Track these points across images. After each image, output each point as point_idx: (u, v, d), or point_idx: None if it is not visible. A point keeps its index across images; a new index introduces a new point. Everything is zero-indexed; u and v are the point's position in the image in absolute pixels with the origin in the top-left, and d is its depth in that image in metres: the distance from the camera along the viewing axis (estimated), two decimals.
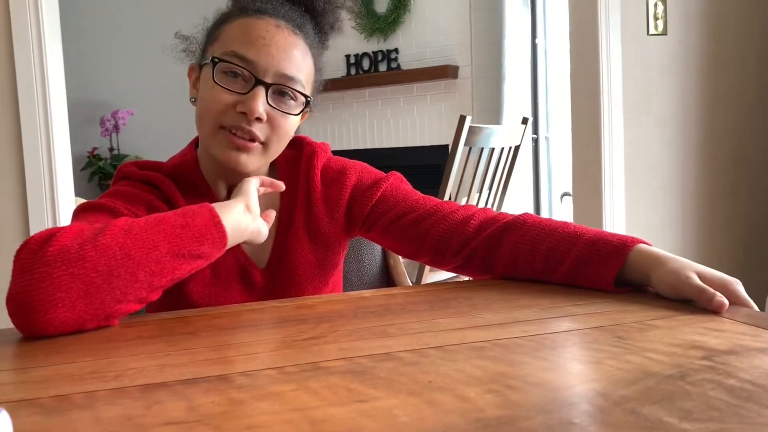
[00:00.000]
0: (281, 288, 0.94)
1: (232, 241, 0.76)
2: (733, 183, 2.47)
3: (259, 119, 0.84)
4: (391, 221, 0.94)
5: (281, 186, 0.89)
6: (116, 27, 4.77)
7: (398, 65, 4.28)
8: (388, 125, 4.40)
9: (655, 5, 2.29)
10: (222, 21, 0.90)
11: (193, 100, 0.92)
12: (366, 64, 4.44)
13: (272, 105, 0.85)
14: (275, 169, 0.99)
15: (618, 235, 0.78)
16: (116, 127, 4.62)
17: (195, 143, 0.97)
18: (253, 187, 0.84)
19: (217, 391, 0.48)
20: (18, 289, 0.64)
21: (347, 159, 1.01)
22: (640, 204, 2.35)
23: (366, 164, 1.01)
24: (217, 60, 0.85)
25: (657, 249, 0.76)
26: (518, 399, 0.44)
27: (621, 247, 0.76)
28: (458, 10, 3.98)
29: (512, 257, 0.84)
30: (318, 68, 0.94)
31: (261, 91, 0.84)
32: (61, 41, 2.15)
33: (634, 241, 0.76)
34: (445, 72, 3.95)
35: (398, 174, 1.00)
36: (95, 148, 4.66)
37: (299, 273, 0.95)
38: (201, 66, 0.90)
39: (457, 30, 4.01)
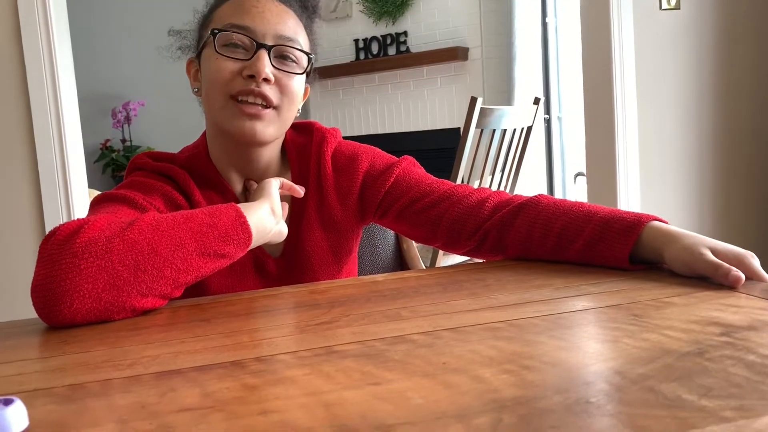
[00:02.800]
0: (296, 276, 0.94)
1: (255, 241, 0.76)
2: (748, 159, 2.43)
3: (267, 80, 0.85)
4: (404, 207, 0.93)
5: (300, 191, 0.89)
6: (126, 18, 4.77)
7: (407, 48, 4.25)
8: (398, 109, 4.38)
9: None
10: (213, 8, 0.92)
11: (196, 90, 0.93)
12: (375, 48, 4.41)
13: (277, 67, 0.86)
14: (285, 155, 0.98)
15: (633, 212, 0.77)
16: (128, 119, 4.64)
17: (205, 135, 0.96)
18: (275, 189, 0.84)
19: (231, 377, 0.48)
20: (44, 279, 0.65)
21: (358, 143, 1.00)
22: (655, 183, 2.32)
23: (377, 149, 1.00)
24: (216, 31, 0.86)
25: (671, 226, 0.75)
26: (534, 379, 0.43)
27: (635, 223, 0.75)
28: None
29: (526, 236, 0.84)
30: (312, 41, 0.94)
31: (264, 54, 0.85)
32: (69, 34, 2.15)
33: (649, 217, 0.75)
34: (455, 54, 3.92)
35: (410, 158, 0.99)
36: (108, 140, 4.69)
37: (313, 261, 0.94)
38: (199, 56, 0.91)
39: (466, 11, 3.97)
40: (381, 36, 4.36)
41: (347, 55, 4.50)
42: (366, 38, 4.42)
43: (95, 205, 0.83)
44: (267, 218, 0.79)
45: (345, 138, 1.01)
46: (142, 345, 0.58)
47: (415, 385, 0.44)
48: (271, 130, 0.88)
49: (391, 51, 4.34)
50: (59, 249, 0.65)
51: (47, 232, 0.68)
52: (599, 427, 0.36)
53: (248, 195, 0.94)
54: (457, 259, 2.26)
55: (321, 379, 0.46)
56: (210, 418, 0.40)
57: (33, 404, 0.44)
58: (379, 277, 0.85)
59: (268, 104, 0.86)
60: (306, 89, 0.94)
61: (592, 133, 2.32)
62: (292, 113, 0.91)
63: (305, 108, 5.13)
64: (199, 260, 0.71)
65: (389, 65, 4.30)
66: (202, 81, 0.91)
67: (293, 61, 0.88)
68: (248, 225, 0.74)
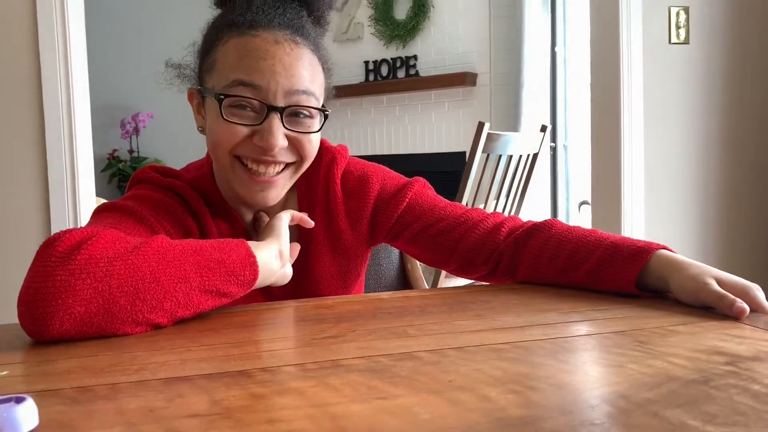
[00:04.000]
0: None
1: (260, 283, 0.73)
2: (753, 191, 2.44)
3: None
4: (417, 231, 0.91)
5: (310, 223, 0.86)
6: (137, 29, 4.83)
7: (417, 72, 4.29)
8: (405, 131, 4.41)
9: (678, 14, 2.28)
10: (213, 41, 0.83)
11: (201, 129, 0.87)
12: (384, 70, 4.45)
13: (290, 129, 0.80)
14: None
15: (643, 241, 0.78)
16: (136, 130, 4.67)
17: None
18: (285, 227, 0.80)
19: (238, 386, 0.48)
20: (35, 294, 0.60)
21: (367, 163, 0.97)
22: (660, 213, 2.33)
23: (387, 169, 0.98)
24: (222, 96, 0.78)
25: (678, 255, 0.75)
26: (540, 400, 0.44)
27: (644, 249, 0.75)
28: (478, 18, 3.99)
29: (536, 257, 0.84)
30: (326, 68, 0.87)
31: (275, 119, 0.78)
32: (86, 44, 2.18)
33: (658, 246, 0.76)
34: (464, 79, 3.95)
35: (422, 179, 0.96)
36: (115, 150, 4.72)
37: (321, 286, 0.93)
38: (200, 91, 0.85)
39: (476, 37, 4.01)
40: (391, 59, 4.41)
41: (357, 76, 4.54)
42: (376, 60, 4.47)
43: (98, 213, 0.79)
44: (274, 261, 0.75)
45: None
46: (149, 351, 0.58)
47: (422, 401, 0.44)
48: (286, 188, 0.85)
49: (401, 74, 4.38)
50: (56, 263, 0.61)
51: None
52: None
53: (257, 227, 0.90)
54: (459, 281, 2.26)
55: (328, 392, 0.46)
56: (218, 425, 0.41)
57: (41, 404, 0.44)
58: (384, 295, 0.85)
59: (283, 164, 0.82)
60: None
61: (599, 162, 2.33)
62: (307, 165, 0.87)
63: None
64: (200, 297, 0.67)
65: (398, 88, 4.34)
66: (206, 128, 0.85)
67: (308, 116, 0.82)
68: (257, 265, 0.71)
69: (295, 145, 0.82)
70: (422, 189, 0.94)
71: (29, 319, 0.61)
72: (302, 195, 0.94)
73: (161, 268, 0.65)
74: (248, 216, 0.92)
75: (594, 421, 0.40)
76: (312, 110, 0.82)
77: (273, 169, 0.82)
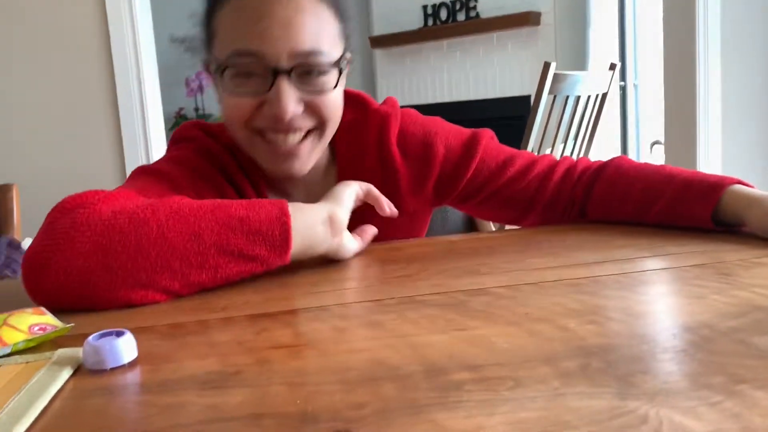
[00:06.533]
0: None
1: (298, 251, 0.63)
2: None
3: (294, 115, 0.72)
4: (490, 194, 0.87)
5: (387, 210, 0.74)
6: None
7: (477, 14, 4.17)
8: (467, 77, 4.32)
9: None
10: (213, 7, 0.75)
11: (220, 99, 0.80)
12: (443, 14, 4.35)
13: (303, 90, 0.72)
14: (332, 140, 0.82)
15: (716, 175, 0.75)
16: (200, 88, 4.75)
17: None
18: (349, 196, 0.70)
19: (319, 320, 0.50)
20: (36, 247, 0.57)
21: (426, 120, 0.88)
22: (738, 152, 2.22)
23: (448, 124, 0.89)
24: (223, 67, 0.72)
25: (755, 189, 0.72)
26: (620, 329, 0.43)
27: (717, 184, 0.73)
28: None
29: (606, 197, 0.83)
30: (340, 10, 0.76)
31: (284, 83, 0.70)
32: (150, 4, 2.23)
33: (732, 180, 0.73)
34: (527, 19, 3.82)
35: (488, 131, 0.88)
36: (181, 109, 4.83)
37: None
38: (207, 67, 0.78)
39: None
40: (450, 1, 4.29)
41: (415, 22, 4.45)
42: (435, 4, 4.36)
43: (134, 176, 0.75)
44: (319, 226, 0.65)
45: (411, 107, 0.90)
46: (232, 291, 0.61)
47: (500, 331, 0.45)
48: (313, 157, 0.77)
49: (460, 17, 4.27)
50: (61, 216, 0.58)
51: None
52: (689, 372, 0.36)
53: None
54: None
55: (407, 324, 0.47)
56: (304, 354, 0.43)
57: (138, 339, 0.47)
58: (454, 237, 0.85)
59: (305, 130, 0.75)
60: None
61: (672, 99, 2.23)
62: (335, 125, 0.78)
63: (370, 75, 5.13)
64: (218, 258, 0.58)
65: (458, 31, 4.23)
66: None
67: (322, 72, 0.72)
68: (289, 226, 0.61)
69: (312, 108, 0.73)
70: (489, 144, 0.87)
71: (28, 272, 0.57)
72: (343, 167, 0.85)
73: (171, 223, 0.58)
74: (289, 188, 0.85)
75: (677, 348, 0.40)
76: (325, 65, 0.72)
77: (293, 138, 0.74)
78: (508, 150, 0.89)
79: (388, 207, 0.74)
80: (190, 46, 0.82)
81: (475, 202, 0.89)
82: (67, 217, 0.57)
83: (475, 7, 4.18)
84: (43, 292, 0.57)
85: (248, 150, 0.77)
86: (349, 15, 0.78)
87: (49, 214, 0.59)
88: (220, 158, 0.80)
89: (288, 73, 0.70)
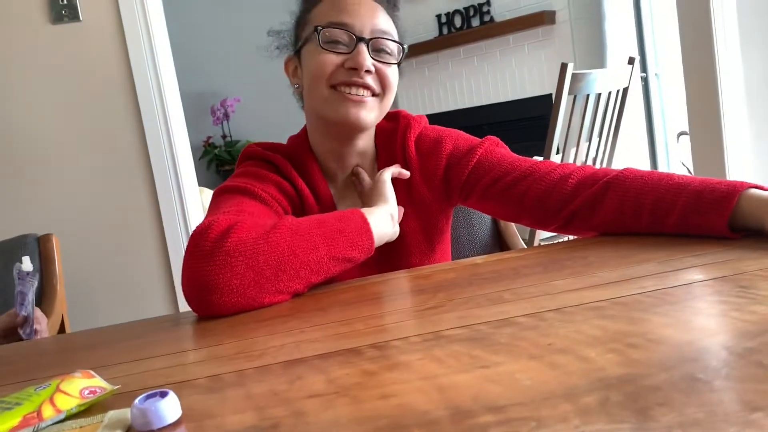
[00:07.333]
0: (393, 257, 0.98)
1: (375, 245, 0.84)
2: None
3: (368, 71, 0.92)
4: (488, 186, 0.97)
5: (406, 174, 0.99)
6: (217, 18, 4.97)
7: (491, 18, 4.18)
8: (486, 81, 4.32)
9: None
10: (309, 7, 0.99)
11: (296, 86, 1.02)
12: (458, 21, 4.36)
13: (375, 58, 0.94)
14: (374, 141, 1.04)
15: (727, 181, 0.76)
16: (226, 115, 4.84)
17: (306, 128, 1.04)
18: (391, 190, 0.93)
19: (350, 364, 0.52)
20: (197, 273, 0.73)
21: (443, 128, 1.05)
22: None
23: (461, 132, 1.05)
24: (320, 28, 0.93)
25: None
26: (640, 357, 0.45)
27: (729, 191, 0.73)
28: None
29: (617, 214, 0.84)
30: (400, 31, 1.00)
31: (363, 47, 0.93)
32: (168, 37, 2.29)
33: (743, 185, 0.73)
34: (542, 18, 3.82)
35: (494, 138, 1.02)
36: (209, 137, 4.93)
37: (406, 241, 0.99)
38: (297, 54, 0.99)
39: None
40: (463, 8, 4.31)
41: (430, 32, 4.48)
42: (448, 12, 4.38)
43: (217, 197, 0.93)
44: (386, 224, 0.88)
45: (434, 116, 1.08)
46: (267, 336, 0.63)
47: (523, 366, 0.46)
48: (373, 116, 0.96)
49: (475, 22, 4.28)
50: (213, 246, 0.74)
51: (191, 230, 0.76)
52: (706, 403, 0.37)
53: (357, 185, 1.01)
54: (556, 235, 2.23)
55: (433, 363, 0.49)
56: (336, 403, 0.45)
57: (181, 395, 0.50)
58: (479, 259, 0.87)
59: (370, 92, 0.94)
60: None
61: (693, 89, 2.21)
62: (390, 100, 0.98)
63: None
64: (329, 263, 0.78)
65: (473, 37, 4.25)
66: (303, 76, 0.99)
67: (388, 53, 0.96)
68: (371, 233, 0.82)
69: (379, 74, 0.94)
70: (493, 146, 1.00)
71: (195, 295, 0.74)
72: (382, 156, 1.04)
73: (295, 242, 0.76)
74: (340, 176, 1.02)
75: (695, 375, 0.41)
76: (392, 46, 0.96)
77: (363, 92, 0.94)
78: (510, 154, 1.00)
79: (405, 171, 0.99)
80: (280, 42, 1.04)
81: (477, 196, 0.99)
82: (219, 245, 0.74)
83: (489, 12, 4.19)
84: (210, 309, 0.74)
85: (324, 107, 0.95)
86: (403, 35, 1.02)
87: (195, 242, 0.75)
88: (276, 163, 0.99)
89: (367, 43, 0.93)
